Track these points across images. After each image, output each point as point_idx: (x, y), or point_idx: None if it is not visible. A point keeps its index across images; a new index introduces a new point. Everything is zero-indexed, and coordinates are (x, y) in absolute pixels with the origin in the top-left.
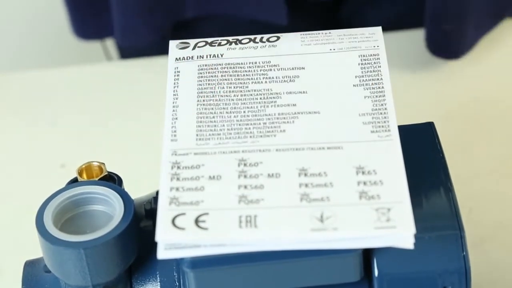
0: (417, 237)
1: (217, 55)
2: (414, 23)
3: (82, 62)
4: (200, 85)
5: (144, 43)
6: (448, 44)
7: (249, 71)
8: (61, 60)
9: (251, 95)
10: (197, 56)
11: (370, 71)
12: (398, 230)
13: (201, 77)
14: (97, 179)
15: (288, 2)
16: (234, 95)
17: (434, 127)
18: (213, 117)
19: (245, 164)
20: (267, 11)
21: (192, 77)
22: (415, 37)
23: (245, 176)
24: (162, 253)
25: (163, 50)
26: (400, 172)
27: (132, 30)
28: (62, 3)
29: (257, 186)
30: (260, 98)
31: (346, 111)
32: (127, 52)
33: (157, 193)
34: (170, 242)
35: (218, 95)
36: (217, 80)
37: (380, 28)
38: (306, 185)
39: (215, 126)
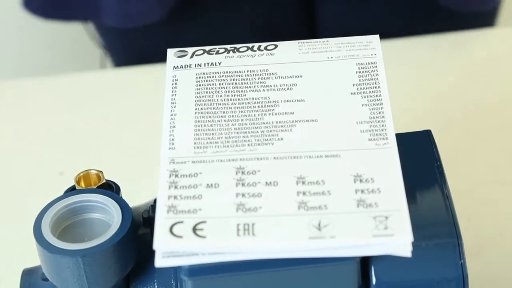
0: (414, 245)
1: (215, 63)
2: (391, 26)
3: (80, 70)
4: (198, 93)
5: (148, 22)
6: None
7: (247, 79)
8: (58, 68)
9: (249, 103)
10: (195, 65)
11: (368, 79)
12: (396, 238)
13: (199, 85)
14: (95, 187)
15: None
16: (232, 103)
17: (431, 135)
18: (211, 125)
19: (243, 172)
20: None
21: (190, 85)
22: (413, 45)
23: (243, 184)
24: (159, 261)
25: (160, 58)
26: (397, 180)
27: (135, 9)
28: None
29: (255, 194)
30: (258, 106)
31: (343, 119)
32: (123, 59)
33: (155, 201)
34: (168, 250)
35: (216, 103)
36: (215, 88)
37: (377, 36)
38: (304, 193)
39: (213, 134)
